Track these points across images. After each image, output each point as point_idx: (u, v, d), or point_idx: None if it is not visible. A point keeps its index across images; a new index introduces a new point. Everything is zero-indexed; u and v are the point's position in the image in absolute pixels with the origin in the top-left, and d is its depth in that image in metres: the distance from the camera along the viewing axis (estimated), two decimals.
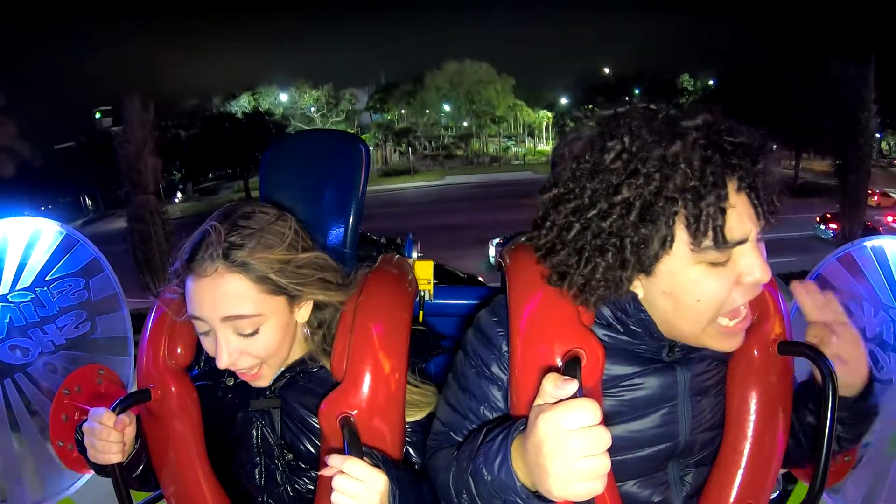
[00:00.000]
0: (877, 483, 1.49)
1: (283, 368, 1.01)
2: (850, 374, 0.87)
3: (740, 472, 0.90)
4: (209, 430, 1.04)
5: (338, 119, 39.83)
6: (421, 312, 1.35)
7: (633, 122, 0.76)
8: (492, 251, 13.39)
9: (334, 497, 0.79)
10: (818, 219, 17.06)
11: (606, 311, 0.86)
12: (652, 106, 0.79)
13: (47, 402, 1.64)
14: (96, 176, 30.75)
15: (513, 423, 0.76)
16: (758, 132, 0.76)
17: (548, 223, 0.81)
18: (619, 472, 0.87)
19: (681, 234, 0.74)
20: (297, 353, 1.01)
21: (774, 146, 0.79)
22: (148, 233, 11.03)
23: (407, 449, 0.99)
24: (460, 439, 0.90)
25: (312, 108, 40.01)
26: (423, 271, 1.34)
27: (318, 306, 0.99)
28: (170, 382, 1.02)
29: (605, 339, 0.86)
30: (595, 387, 0.83)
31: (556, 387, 0.65)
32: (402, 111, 42.53)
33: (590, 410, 0.63)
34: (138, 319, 1.30)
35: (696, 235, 0.73)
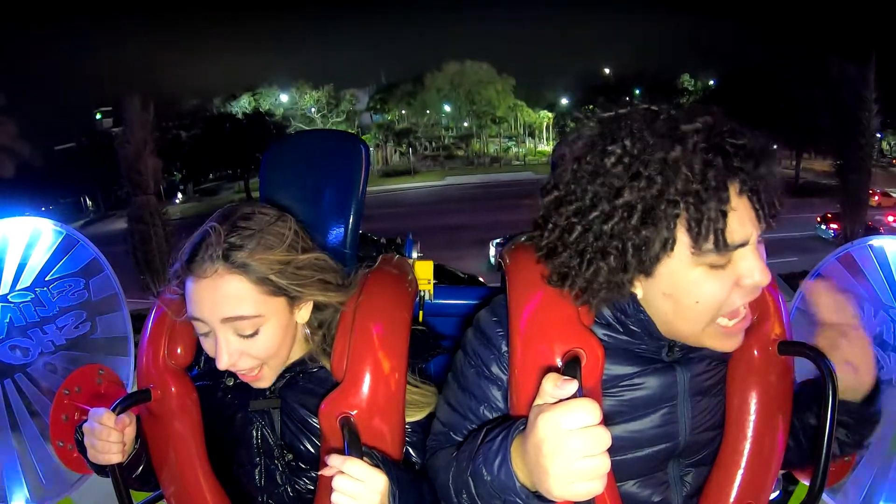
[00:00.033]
0: (877, 483, 1.49)
1: (283, 369, 1.00)
2: (858, 378, 0.86)
3: (740, 472, 0.90)
4: (209, 430, 1.04)
5: (338, 119, 39.81)
6: (421, 312, 1.35)
7: (635, 124, 0.75)
8: (492, 252, 13.39)
9: (334, 497, 0.79)
10: (819, 219, 17.06)
11: (606, 311, 0.86)
12: (653, 107, 0.78)
13: (47, 402, 1.64)
14: (97, 176, 30.69)
15: (512, 423, 0.76)
16: (759, 135, 0.76)
17: (549, 224, 0.81)
18: (618, 472, 0.87)
19: (682, 237, 0.74)
20: (297, 354, 1.01)
21: (775, 147, 0.79)
22: (148, 233, 11.03)
23: (407, 449, 0.99)
24: (460, 439, 0.90)
25: (313, 109, 40.00)
26: (423, 271, 1.34)
27: (318, 307, 0.99)
28: (170, 382, 1.02)
29: (605, 339, 0.86)
30: (595, 387, 0.83)
31: (555, 387, 0.65)
32: (403, 112, 42.53)
33: (590, 410, 0.63)
34: (138, 320, 1.30)
35: (697, 238, 0.72)
